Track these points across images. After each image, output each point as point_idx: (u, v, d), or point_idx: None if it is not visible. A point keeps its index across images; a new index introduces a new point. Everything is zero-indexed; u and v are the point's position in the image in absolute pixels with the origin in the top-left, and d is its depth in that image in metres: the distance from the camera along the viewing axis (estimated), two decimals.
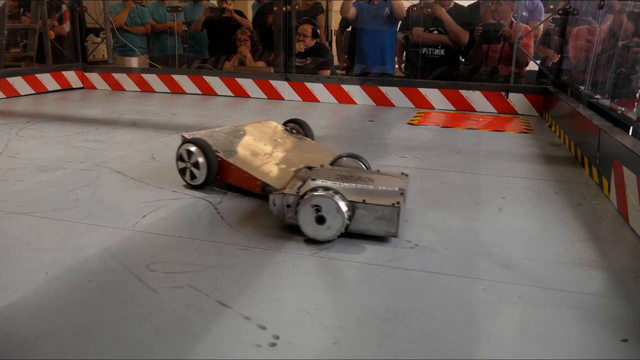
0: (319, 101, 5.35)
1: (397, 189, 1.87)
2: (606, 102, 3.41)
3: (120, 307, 1.35)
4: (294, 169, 2.20)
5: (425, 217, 2.06)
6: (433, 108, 5.03)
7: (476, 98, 4.92)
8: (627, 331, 1.29)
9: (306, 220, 1.74)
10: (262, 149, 2.47)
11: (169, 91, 5.80)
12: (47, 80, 5.63)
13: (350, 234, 1.78)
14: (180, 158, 2.30)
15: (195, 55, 6.23)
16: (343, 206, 1.71)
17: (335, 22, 6.51)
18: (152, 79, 5.84)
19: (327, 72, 5.60)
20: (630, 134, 2.68)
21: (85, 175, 2.52)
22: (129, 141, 3.29)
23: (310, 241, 1.76)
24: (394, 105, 5.15)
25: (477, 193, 2.38)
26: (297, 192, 1.79)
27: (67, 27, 6.18)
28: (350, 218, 1.74)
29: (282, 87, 5.44)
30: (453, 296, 1.46)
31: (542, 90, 4.77)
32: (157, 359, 1.15)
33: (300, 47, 5.49)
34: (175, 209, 2.08)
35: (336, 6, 6.21)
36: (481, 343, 1.24)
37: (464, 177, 2.66)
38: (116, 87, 5.97)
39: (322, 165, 2.10)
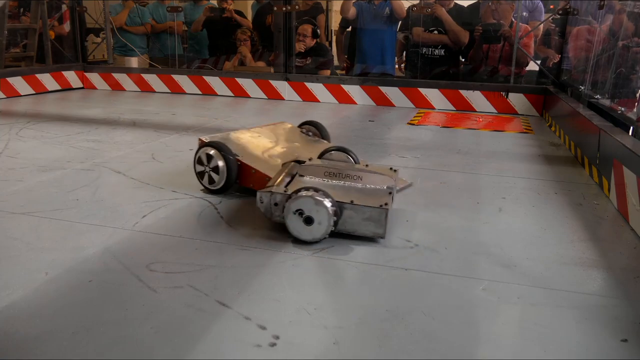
0: (319, 101, 5.35)
1: (385, 187, 1.87)
2: (606, 102, 3.41)
3: (120, 307, 1.35)
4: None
5: (426, 217, 2.06)
6: (433, 108, 5.03)
7: (476, 98, 4.92)
8: (627, 331, 1.29)
9: (293, 221, 1.72)
10: (279, 152, 2.42)
11: (169, 91, 5.80)
12: (47, 80, 5.63)
13: (344, 235, 1.78)
14: (199, 162, 2.23)
15: (195, 55, 6.23)
16: (330, 208, 1.68)
17: (335, 22, 6.51)
18: (152, 79, 5.84)
19: (327, 72, 5.60)
20: (630, 134, 2.68)
21: (85, 175, 2.52)
22: (129, 141, 3.29)
23: (301, 241, 1.75)
24: (394, 105, 5.15)
25: (477, 193, 2.38)
26: (285, 191, 1.77)
27: (67, 27, 6.18)
28: (338, 219, 1.73)
29: (282, 87, 5.44)
30: (453, 296, 1.46)
31: (542, 90, 4.77)
32: (157, 359, 1.15)
33: (300, 47, 5.49)
34: (175, 209, 2.08)
35: (336, 6, 6.21)
36: (481, 343, 1.24)
37: (464, 177, 2.66)
38: (116, 87, 5.97)
39: (310, 159, 2.08)
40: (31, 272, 1.52)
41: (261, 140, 2.51)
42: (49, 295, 1.41)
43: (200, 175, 2.26)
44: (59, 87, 5.76)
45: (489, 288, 1.49)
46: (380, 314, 1.34)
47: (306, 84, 5.38)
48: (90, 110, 4.52)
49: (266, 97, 5.51)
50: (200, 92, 5.70)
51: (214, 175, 2.20)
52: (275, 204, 1.78)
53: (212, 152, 2.18)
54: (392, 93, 5.15)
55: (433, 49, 5.22)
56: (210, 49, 6.22)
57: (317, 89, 5.36)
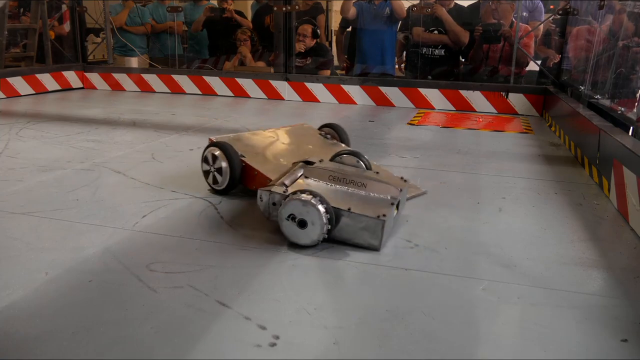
0: (319, 101, 5.35)
1: (389, 197, 1.80)
2: (606, 102, 3.41)
3: (120, 307, 1.35)
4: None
5: (426, 217, 2.06)
6: (433, 108, 5.03)
7: (476, 98, 4.92)
8: (627, 331, 1.29)
9: (287, 226, 1.70)
10: (290, 154, 2.36)
11: (169, 91, 5.80)
12: (47, 80, 5.63)
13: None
14: (205, 161, 2.24)
15: (195, 55, 6.23)
16: (323, 213, 1.64)
17: (335, 22, 6.51)
18: (152, 79, 5.84)
19: (327, 72, 5.60)
20: (630, 134, 2.68)
21: (85, 175, 2.52)
22: (129, 141, 3.29)
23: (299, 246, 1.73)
24: (394, 105, 5.15)
25: (477, 193, 2.38)
26: (284, 192, 1.75)
27: (67, 27, 6.18)
28: (333, 225, 1.68)
29: (282, 87, 5.44)
30: (453, 296, 1.46)
31: (542, 90, 4.77)
32: (157, 359, 1.15)
33: (300, 47, 5.49)
34: (175, 209, 2.08)
35: (336, 6, 6.21)
36: (481, 343, 1.24)
37: (464, 177, 2.66)
38: (116, 87, 5.97)
39: (321, 160, 2.05)
40: (31, 272, 1.52)
41: (274, 141, 2.47)
42: (49, 295, 1.41)
43: (205, 174, 2.26)
44: (59, 87, 5.75)
45: (489, 288, 1.49)
46: (380, 314, 1.34)
47: (306, 84, 5.38)
48: (90, 110, 4.52)
49: (266, 97, 5.51)
50: (200, 92, 5.70)
51: (217, 175, 2.20)
52: (274, 204, 1.77)
53: (217, 152, 2.17)
54: (392, 93, 5.15)
55: (433, 49, 5.22)
56: (210, 49, 6.22)
57: (317, 89, 5.36)
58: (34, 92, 5.44)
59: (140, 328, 1.25)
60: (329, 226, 1.67)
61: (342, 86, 5.28)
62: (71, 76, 5.92)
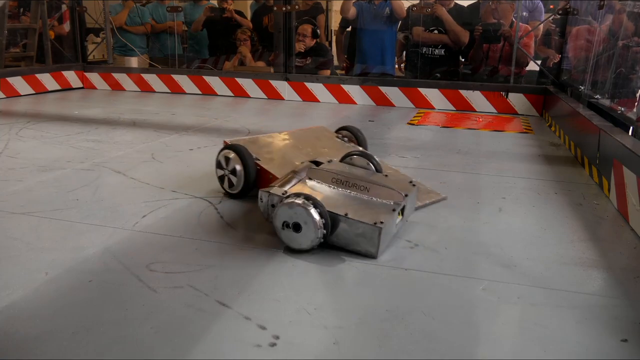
0: (319, 101, 5.35)
1: (391, 202, 1.74)
2: (606, 102, 3.41)
3: (120, 307, 1.35)
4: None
5: (426, 217, 2.06)
6: (433, 108, 5.03)
7: (476, 98, 4.92)
8: (627, 331, 1.29)
9: (283, 234, 1.67)
10: (306, 157, 2.29)
11: (169, 91, 5.80)
12: (47, 80, 5.63)
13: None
14: (218, 165, 2.20)
15: (195, 55, 6.23)
16: (316, 217, 1.60)
17: (335, 22, 6.51)
18: (152, 79, 5.84)
19: (327, 72, 5.60)
20: (630, 134, 2.68)
21: (85, 175, 2.52)
22: (129, 141, 3.29)
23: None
24: (394, 105, 5.15)
25: (477, 193, 2.38)
26: (283, 193, 1.72)
27: (67, 27, 6.18)
28: (328, 230, 1.63)
29: (282, 87, 5.44)
30: (453, 296, 1.46)
31: (542, 90, 4.77)
32: (157, 359, 1.15)
33: (300, 47, 5.49)
34: (175, 209, 2.08)
35: (336, 6, 6.20)
36: (481, 343, 1.24)
37: (464, 177, 2.66)
38: (116, 87, 5.97)
39: (330, 161, 2.01)
40: (31, 272, 1.52)
41: (289, 144, 2.42)
42: (49, 295, 1.41)
43: (220, 179, 2.21)
44: (58, 87, 5.75)
45: (489, 288, 1.49)
46: (380, 314, 1.34)
47: (306, 84, 5.38)
48: (90, 110, 4.52)
49: (266, 97, 5.51)
50: (200, 92, 5.70)
51: (232, 178, 2.15)
52: (273, 205, 1.73)
53: (231, 155, 2.13)
54: (392, 93, 5.15)
55: (433, 49, 5.22)
56: (210, 49, 6.22)
57: (317, 89, 5.36)
58: (34, 92, 5.44)
59: (140, 328, 1.25)
60: (324, 231, 1.62)
61: (342, 86, 5.28)
62: (71, 76, 5.92)
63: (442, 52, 5.21)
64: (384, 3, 5.26)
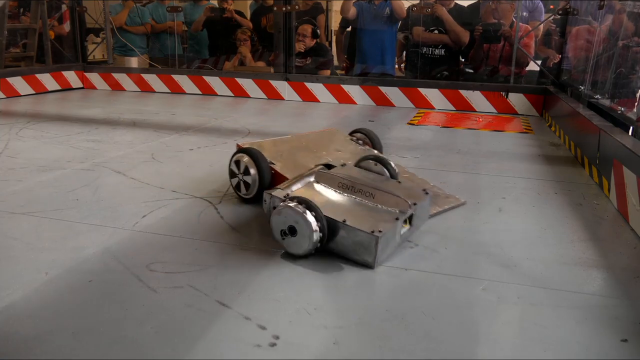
0: (319, 101, 5.35)
1: (397, 211, 1.68)
2: (606, 102, 3.41)
3: (120, 307, 1.35)
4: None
5: None
6: (433, 108, 5.03)
7: (476, 98, 4.92)
8: (627, 331, 1.29)
9: (277, 230, 1.64)
10: (321, 161, 2.22)
11: (169, 91, 5.80)
12: (47, 80, 5.63)
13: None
14: (232, 169, 2.16)
15: (195, 55, 6.23)
16: (311, 222, 1.55)
17: (335, 22, 6.51)
18: (152, 79, 5.84)
19: (327, 72, 5.60)
20: (630, 134, 2.68)
21: (85, 175, 2.52)
22: (129, 141, 3.29)
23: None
24: (394, 105, 5.15)
25: (477, 193, 2.38)
26: (285, 197, 1.69)
27: (67, 27, 6.18)
28: (325, 235, 1.59)
29: (282, 87, 5.44)
30: (453, 296, 1.46)
31: (542, 90, 4.77)
32: (157, 359, 1.15)
33: (300, 47, 5.49)
34: (175, 209, 2.08)
35: (336, 6, 6.20)
36: (481, 343, 1.24)
37: (464, 177, 2.66)
38: (116, 87, 5.97)
39: (343, 164, 1.98)
40: (31, 272, 1.52)
41: (304, 147, 2.38)
42: (49, 296, 1.41)
43: (233, 182, 2.18)
44: (59, 87, 5.76)
45: (489, 288, 1.49)
46: (380, 314, 1.34)
47: (306, 84, 5.38)
48: (90, 110, 4.52)
49: (266, 97, 5.51)
50: (200, 92, 5.70)
51: (246, 182, 2.11)
52: (274, 208, 1.70)
53: (245, 159, 2.09)
54: (392, 93, 5.15)
55: (433, 49, 5.22)
56: (210, 49, 6.22)
57: (317, 89, 5.36)
58: (34, 92, 5.45)
59: (140, 328, 1.25)
60: (321, 234, 1.58)
61: (342, 86, 5.28)
62: (71, 76, 5.92)
63: (442, 52, 5.21)
64: (384, 3, 5.27)
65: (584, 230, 1.96)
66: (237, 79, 5.57)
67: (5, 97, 5.15)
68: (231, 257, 1.66)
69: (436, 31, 5.19)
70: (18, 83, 5.31)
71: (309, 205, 1.59)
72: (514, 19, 4.92)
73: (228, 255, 1.67)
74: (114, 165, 2.70)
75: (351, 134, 2.63)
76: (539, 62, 5.04)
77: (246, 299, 1.40)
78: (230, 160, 2.16)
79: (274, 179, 2.08)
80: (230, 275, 1.53)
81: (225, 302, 1.38)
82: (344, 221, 1.59)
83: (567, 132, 3.51)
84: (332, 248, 1.65)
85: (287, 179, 2.02)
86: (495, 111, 4.89)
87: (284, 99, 5.44)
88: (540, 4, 5.07)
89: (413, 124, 4.17)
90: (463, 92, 4.94)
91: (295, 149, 2.33)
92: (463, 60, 5.35)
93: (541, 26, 5.07)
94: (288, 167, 2.12)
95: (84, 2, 6.18)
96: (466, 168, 2.83)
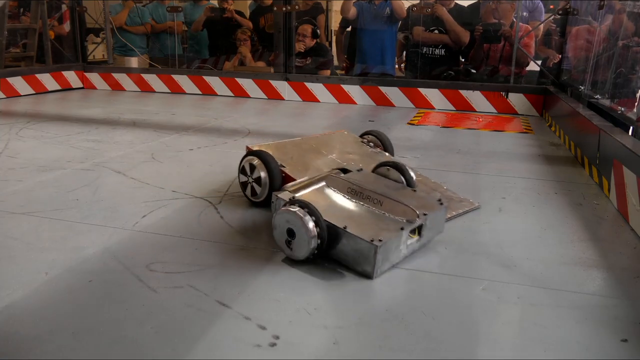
0: (319, 101, 5.35)
1: (404, 220, 1.61)
2: (606, 102, 3.41)
3: (120, 307, 1.35)
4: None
5: None
6: (433, 108, 5.03)
7: (476, 98, 4.92)
8: (627, 331, 1.29)
9: (278, 234, 1.62)
10: (332, 163, 2.24)
11: (169, 91, 5.80)
12: (47, 80, 5.63)
13: None
14: (242, 172, 2.11)
15: (195, 55, 6.23)
16: (312, 228, 1.52)
17: (335, 22, 6.51)
18: (152, 79, 5.84)
19: (327, 72, 5.60)
20: (630, 134, 2.69)
21: (85, 175, 2.52)
22: (129, 141, 3.29)
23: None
24: (394, 105, 5.15)
25: (477, 193, 2.38)
26: (290, 199, 1.65)
27: (67, 27, 6.18)
28: (324, 240, 1.54)
29: (282, 87, 5.44)
30: (453, 296, 1.46)
31: (542, 90, 4.77)
32: (157, 359, 1.15)
33: (300, 47, 5.49)
34: (175, 209, 2.08)
35: (336, 6, 6.21)
36: (481, 343, 1.24)
37: (464, 177, 2.66)
38: (116, 87, 5.97)
39: (359, 169, 1.91)
40: (31, 272, 1.52)
41: (314, 150, 2.35)
42: (49, 295, 1.41)
43: (243, 186, 2.13)
44: (59, 87, 5.76)
45: (489, 288, 1.49)
46: (380, 314, 1.34)
47: (306, 84, 5.38)
48: (90, 110, 4.52)
49: (266, 97, 5.51)
50: (200, 92, 5.70)
51: (256, 186, 2.07)
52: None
53: (255, 162, 2.06)
54: (392, 93, 5.15)
55: (433, 49, 5.22)
56: (210, 49, 6.23)
57: (317, 89, 5.36)
58: (34, 92, 5.45)
59: (140, 328, 1.25)
60: (319, 240, 1.54)
61: (342, 86, 5.28)
62: (71, 76, 5.92)
63: (443, 52, 5.21)
64: (384, 3, 5.27)
65: (584, 230, 1.96)
66: (237, 79, 5.57)
67: (5, 97, 5.15)
68: (231, 257, 1.66)
69: (436, 31, 5.19)
70: (18, 83, 5.31)
71: (309, 209, 1.55)
72: (514, 19, 4.92)
73: (228, 255, 1.67)
74: (114, 165, 2.70)
75: (362, 136, 2.60)
76: (539, 62, 5.04)
77: (246, 299, 1.40)
78: (240, 163, 2.13)
79: (285, 182, 2.04)
80: (230, 275, 1.53)
81: (225, 302, 1.38)
82: (345, 228, 1.54)
83: (567, 132, 3.51)
84: (334, 255, 1.60)
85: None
86: (495, 111, 4.89)
87: (284, 99, 5.44)
88: (541, 4, 5.07)
89: (413, 124, 4.17)
90: (463, 92, 4.94)
91: (306, 152, 2.31)
92: (463, 60, 5.35)
93: (541, 26, 5.07)
94: (298, 170, 2.10)
95: (84, 2, 6.18)
96: (466, 168, 2.83)
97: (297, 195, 1.70)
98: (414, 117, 4.53)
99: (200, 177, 2.52)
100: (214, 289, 1.44)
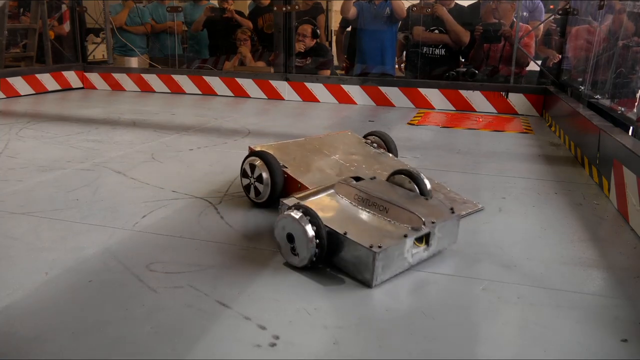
0: (319, 101, 5.35)
1: (409, 227, 1.57)
2: (606, 102, 3.41)
3: (120, 307, 1.35)
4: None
5: None
6: (433, 108, 5.03)
7: (476, 98, 4.92)
8: (627, 331, 1.29)
9: (279, 239, 1.60)
10: (335, 164, 2.24)
11: (169, 91, 5.80)
12: (47, 80, 5.63)
13: None
14: (244, 173, 2.12)
15: (195, 55, 6.23)
16: (310, 234, 1.49)
17: (335, 22, 6.51)
18: (152, 79, 5.84)
19: (327, 72, 5.60)
20: (630, 134, 2.68)
21: (85, 175, 2.52)
22: (129, 141, 3.29)
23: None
24: (394, 105, 5.15)
25: (477, 193, 2.38)
26: (294, 205, 1.62)
27: (67, 27, 6.18)
28: (323, 247, 1.51)
29: (282, 87, 5.44)
30: (453, 296, 1.46)
31: (542, 90, 4.77)
32: (157, 359, 1.15)
33: (300, 47, 5.49)
34: (175, 209, 2.08)
35: (336, 6, 6.21)
36: (481, 343, 1.24)
37: (464, 177, 2.66)
38: (116, 87, 5.97)
39: (373, 178, 1.88)
40: (31, 272, 1.52)
41: (317, 151, 2.34)
42: (49, 295, 1.41)
43: (245, 187, 2.14)
44: (59, 87, 5.76)
45: (489, 288, 1.49)
46: (380, 314, 1.34)
47: (306, 84, 5.38)
48: (90, 110, 4.52)
49: (266, 97, 5.51)
50: (200, 92, 5.70)
51: (258, 187, 2.07)
52: None
53: (257, 162, 2.05)
54: (392, 93, 5.15)
55: (433, 49, 5.22)
56: (210, 49, 6.22)
57: (317, 89, 5.36)
58: (34, 92, 5.45)
59: (140, 328, 1.25)
60: (317, 249, 1.50)
61: (342, 86, 5.28)
62: (71, 76, 5.92)
63: (443, 52, 5.21)
64: (384, 3, 5.27)
65: (584, 230, 1.96)
66: (237, 79, 5.57)
67: (5, 97, 5.15)
68: (231, 257, 1.66)
69: (436, 31, 5.19)
70: (18, 83, 5.31)
71: (310, 215, 1.52)
72: (514, 19, 4.92)
73: (228, 256, 1.67)
74: (114, 165, 2.70)
75: (365, 136, 2.59)
76: (539, 62, 5.04)
77: (246, 299, 1.40)
78: (242, 164, 2.13)
79: (287, 183, 2.05)
80: (230, 275, 1.53)
81: (225, 302, 1.38)
82: (345, 233, 1.51)
83: (567, 132, 3.51)
84: (336, 263, 1.58)
85: (300, 182, 2.00)
86: (495, 111, 4.89)
87: (284, 99, 5.44)
88: (541, 3, 5.07)
89: (413, 124, 4.17)
90: (463, 92, 4.94)
91: (309, 152, 2.30)
92: (463, 60, 5.35)
93: (541, 26, 5.07)
94: (301, 171, 2.09)
95: (84, 2, 6.18)
96: (466, 168, 2.83)
97: (303, 202, 1.67)
98: (414, 117, 4.53)
99: (200, 177, 2.53)
100: (214, 289, 1.44)
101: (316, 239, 1.50)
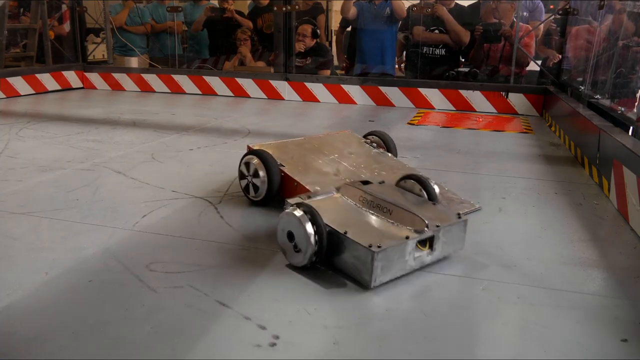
0: (319, 101, 5.35)
1: (412, 230, 1.56)
2: (606, 102, 3.41)
3: (120, 307, 1.35)
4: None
5: None
6: (433, 108, 5.03)
7: (476, 98, 4.92)
8: (627, 331, 1.29)
9: (281, 237, 1.59)
10: (334, 164, 2.24)
11: (169, 91, 5.80)
12: (47, 80, 5.63)
13: None
14: (241, 171, 2.14)
15: (195, 55, 6.23)
16: (310, 233, 1.48)
17: (335, 22, 6.51)
18: (152, 79, 5.84)
19: (327, 72, 5.60)
20: (630, 134, 2.68)
21: (85, 175, 2.52)
22: (129, 141, 3.29)
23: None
24: (394, 105, 5.15)
25: (477, 193, 2.38)
26: (296, 204, 1.61)
27: (67, 27, 6.18)
28: (323, 246, 1.50)
29: (282, 87, 5.44)
30: (453, 296, 1.46)
31: (542, 90, 4.77)
32: (157, 359, 1.15)
33: (300, 47, 5.49)
34: (175, 209, 2.08)
35: (336, 6, 6.21)
36: (481, 343, 1.24)
37: (464, 177, 2.66)
38: (116, 87, 5.97)
39: (381, 182, 1.88)
40: (31, 272, 1.52)
41: (316, 150, 2.33)
42: (49, 295, 1.41)
43: (242, 184, 2.15)
44: (59, 87, 5.76)
45: (489, 288, 1.49)
46: (380, 314, 1.34)
47: (306, 84, 5.38)
48: (90, 110, 4.52)
49: (266, 97, 5.51)
50: (200, 92, 5.70)
51: (255, 184, 2.08)
52: None
53: (254, 161, 2.07)
54: (392, 93, 5.15)
55: (433, 49, 5.22)
56: (210, 49, 6.22)
57: (317, 89, 5.36)
58: (34, 92, 5.45)
59: (140, 328, 1.25)
60: (316, 247, 1.49)
61: (342, 86, 5.28)
62: (71, 76, 5.92)
63: (443, 52, 5.21)
64: (384, 3, 5.27)
65: (584, 230, 1.96)
66: (237, 79, 5.57)
67: (5, 97, 5.15)
68: (231, 257, 1.66)
69: (436, 31, 5.19)
70: (18, 83, 5.31)
71: (311, 213, 1.51)
72: (514, 19, 4.92)
73: (228, 255, 1.67)
74: (114, 165, 2.70)
75: (365, 136, 2.59)
76: (539, 62, 5.04)
77: (246, 299, 1.40)
78: (240, 162, 2.15)
79: (284, 182, 2.06)
80: (230, 275, 1.53)
81: (225, 302, 1.38)
82: (345, 233, 1.50)
83: (567, 132, 3.51)
84: (336, 264, 1.56)
85: (297, 181, 2.00)
86: (495, 111, 4.88)
87: (284, 99, 5.44)
88: (541, 3, 5.07)
89: (413, 124, 4.17)
90: (463, 92, 4.94)
91: (307, 152, 2.30)
92: (463, 60, 5.35)
93: (541, 26, 5.07)
94: (298, 170, 2.10)
95: (84, 2, 6.18)
96: (466, 168, 2.83)
97: (306, 201, 1.66)
98: (414, 117, 4.53)
99: (200, 177, 2.53)
100: (214, 289, 1.44)
101: (316, 237, 1.49)
